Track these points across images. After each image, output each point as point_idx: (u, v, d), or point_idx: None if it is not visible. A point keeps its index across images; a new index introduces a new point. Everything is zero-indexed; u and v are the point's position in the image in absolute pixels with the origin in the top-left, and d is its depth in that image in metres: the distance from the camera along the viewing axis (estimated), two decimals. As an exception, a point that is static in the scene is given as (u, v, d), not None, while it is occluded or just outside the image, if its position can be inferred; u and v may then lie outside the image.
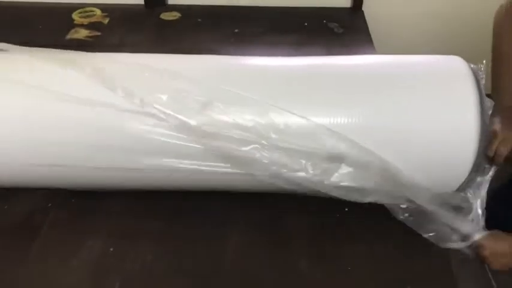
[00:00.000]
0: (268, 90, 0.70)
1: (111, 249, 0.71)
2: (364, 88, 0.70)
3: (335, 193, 0.68)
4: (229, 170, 0.68)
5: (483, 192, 0.73)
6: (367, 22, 1.40)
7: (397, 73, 0.72)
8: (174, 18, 1.40)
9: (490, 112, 0.69)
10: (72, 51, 0.78)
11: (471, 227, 0.72)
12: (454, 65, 0.72)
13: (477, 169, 0.70)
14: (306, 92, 0.70)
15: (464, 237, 0.72)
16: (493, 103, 0.70)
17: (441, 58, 0.74)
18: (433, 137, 0.67)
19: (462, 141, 0.67)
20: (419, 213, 0.71)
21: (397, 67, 0.74)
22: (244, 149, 0.66)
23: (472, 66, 0.71)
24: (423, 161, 0.69)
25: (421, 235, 0.72)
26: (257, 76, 0.73)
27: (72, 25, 1.33)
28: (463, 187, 0.72)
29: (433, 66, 0.73)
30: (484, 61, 0.72)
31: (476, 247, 0.72)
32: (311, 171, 0.67)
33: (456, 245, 0.72)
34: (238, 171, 0.68)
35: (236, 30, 1.32)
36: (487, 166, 0.72)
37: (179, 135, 0.67)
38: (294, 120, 0.66)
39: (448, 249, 0.71)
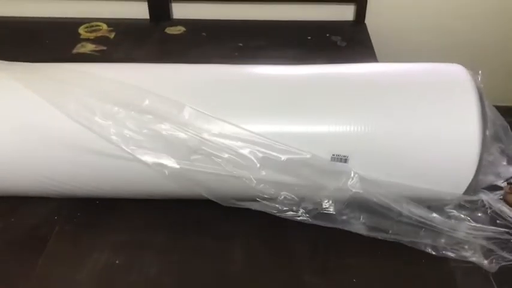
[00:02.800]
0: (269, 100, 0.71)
1: (117, 262, 0.71)
2: (366, 96, 0.71)
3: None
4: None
5: None
6: (370, 35, 1.41)
7: (397, 81, 0.73)
8: (179, 32, 1.42)
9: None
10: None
11: None
12: (455, 72, 0.73)
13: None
14: (303, 101, 0.71)
15: None
16: (496, 111, 0.70)
17: (442, 66, 0.75)
18: (434, 144, 0.68)
19: (464, 148, 0.68)
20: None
21: (396, 75, 0.75)
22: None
23: (471, 73, 0.72)
24: (424, 169, 0.69)
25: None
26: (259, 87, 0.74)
27: (78, 40, 1.35)
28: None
29: (433, 74, 0.74)
30: (480, 71, 0.73)
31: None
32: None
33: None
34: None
35: (240, 44, 1.34)
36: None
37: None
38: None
39: (452, 261, 0.71)
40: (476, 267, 0.72)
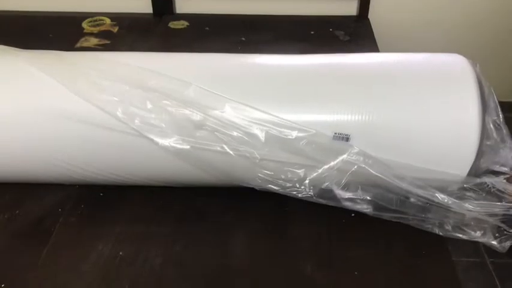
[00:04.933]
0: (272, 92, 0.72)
1: (121, 253, 0.72)
2: (369, 83, 0.71)
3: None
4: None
5: None
6: (373, 30, 1.41)
7: (398, 69, 0.74)
8: (182, 26, 1.42)
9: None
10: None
11: None
12: (455, 61, 0.74)
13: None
14: (306, 88, 0.72)
15: None
16: (496, 101, 0.71)
17: (442, 55, 0.76)
18: (435, 128, 0.68)
19: (464, 131, 0.68)
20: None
21: (397, 63, 0.76)
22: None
23: (471, 62, 0.73)
24: (425, 152, 0.70)
25: (427, 242, 0.72)
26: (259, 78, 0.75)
27: (82, 34, 1.35)
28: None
29: (434, 62, 0.75)
30: (478, 64, 0.73)
31: None
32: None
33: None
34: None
35: (243, 39, 1.34)
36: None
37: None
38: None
39: (453, 255, 0.71)
40: (477, 262, 0.72)
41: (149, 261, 0.71)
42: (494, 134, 0.70)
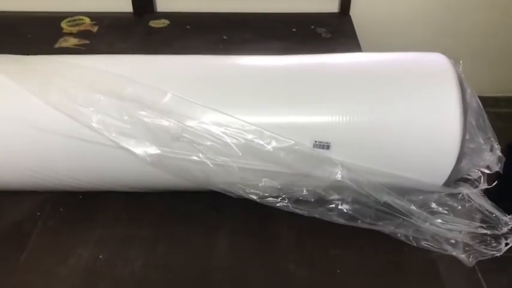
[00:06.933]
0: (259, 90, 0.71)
1: (100, 256, 0.71)
2: (347, 85, 0.71)
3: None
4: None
5: None
6: (355, 27, 1.41)
7: (377, 70, 0.73)
8: (163, 25, 1.41)
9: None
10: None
11: None
12: (436, 60, 0.73)
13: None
14: (284, 91, 0.71)
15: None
16: (478, 101, 0.71)
17: (423, 55, 0.76)
18: (415, 131, 0.68)
19: (444, 134, 0.68)
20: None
21: (377, 64, 0.75)
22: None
23: (452, 61, 0.73)
24: (404, 156, 0.70)
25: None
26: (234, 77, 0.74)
27: (61, 34, 1.33)
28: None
29: (413, 62, 0.75)
30: (461, 61, 0.73)
31: None
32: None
33: None
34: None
35: (224, 37, 1.33)
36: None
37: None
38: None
39: (434, 253, 0.72)
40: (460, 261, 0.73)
41: (130, 263, 0.70)
42: (478, 136, 0.70)
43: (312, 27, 1.39)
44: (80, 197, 0.80)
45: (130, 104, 0.67)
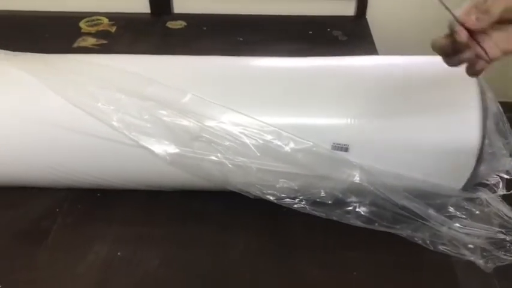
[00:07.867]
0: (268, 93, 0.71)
1: (118, 254, 0.72)
2: (366, 88, 0.71)
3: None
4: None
5: None
6: (371, 30, 1.41)
7: (396, 73, 0.73)
8: (180, 26, 1.42)
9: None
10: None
11: None
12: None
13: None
14: (304, 93, 0.71)
15: None
16: (498, 106, 0.70)
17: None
18: (434, 134, 0.68)
19: (465, 140, 0.68)
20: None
21: (396, 67, 0.75)
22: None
23: None
24: (423, 159, 0.69)
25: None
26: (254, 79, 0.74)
27: (79, 34, 1.34)
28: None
29: (433, 66, 0.74)
30: None
31: None
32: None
33: None
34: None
35: (240, 39, 1.33)
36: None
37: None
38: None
39: (452, 257, 0.72)
40: (477, 266, 0.72)
41: (146, 262, 0.71)
42: (498, 141, 0.70)
43: (328, 29, 1.39)
44: (98, 194, 0.81)
45: (150, 104, 0.68)
